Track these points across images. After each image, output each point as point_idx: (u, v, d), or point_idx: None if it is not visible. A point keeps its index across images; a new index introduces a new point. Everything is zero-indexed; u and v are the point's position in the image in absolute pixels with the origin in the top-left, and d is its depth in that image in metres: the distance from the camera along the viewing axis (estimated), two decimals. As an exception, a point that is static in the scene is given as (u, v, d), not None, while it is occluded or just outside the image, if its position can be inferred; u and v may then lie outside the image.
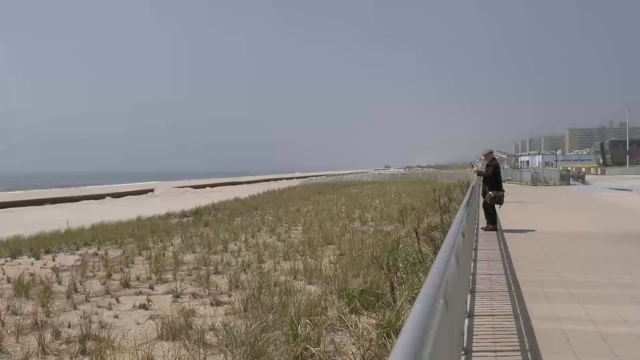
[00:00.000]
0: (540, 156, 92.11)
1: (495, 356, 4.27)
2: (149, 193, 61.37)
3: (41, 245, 12.70)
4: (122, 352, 5.31)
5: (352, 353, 4.79)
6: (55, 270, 9.54)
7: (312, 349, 4.83)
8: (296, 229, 14.67)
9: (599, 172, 68.19)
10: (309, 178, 66.96)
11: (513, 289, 6.42)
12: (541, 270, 7.48)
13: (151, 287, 8.10)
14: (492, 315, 5.38)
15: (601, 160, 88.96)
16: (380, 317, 5.35)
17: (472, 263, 7.79)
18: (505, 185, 13.02)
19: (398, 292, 6.20)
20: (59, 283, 8.51)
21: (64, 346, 5.54)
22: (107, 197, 53.43)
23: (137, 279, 8.68)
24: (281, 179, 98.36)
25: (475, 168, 14.95)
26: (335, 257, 9.89)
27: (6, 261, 10.96)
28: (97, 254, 11.45)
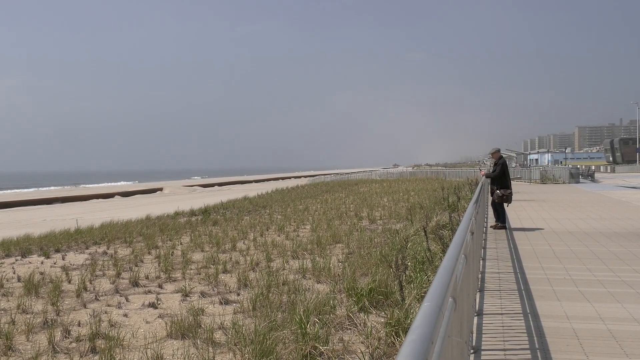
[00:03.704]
0: (549, 154, 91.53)
1: (504, 354, 4.25)
2: (158, 192, 61.70)
3: (51, 244, 12.79)
4: (132, 351, 5.34)
5: (361, 351, 4.79)
6: (65, 269, 9.60)
7: (320, 347, 4.83)
8: (304, 228, 14.67)
9: (608, 170, 67.72)
10: (317, 177, 66.93)
11: (522, 287, 6.40)
12: (550, 269, 7.45)
13: (160, 286, 8.13)
14: (502, 313, 5.37)
15: (611, 158, 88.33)
16: (388, 316, 5.34)
17: (481, 261, 7.77)
18: (514, 184, 12.96)
19: (407, 291, 6.18)
20: (69, 282, 8.57)
21: (73, 345, 5.58)
22: (116, 196, 53.80)
23: (146, 277, 8.72)
24: (289, 177, 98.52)
25: (482, 173, 14.91)
26: (344, 255, 9.89)
27: (17, 260, 11.04)
28: (106, 253, 11.51)
